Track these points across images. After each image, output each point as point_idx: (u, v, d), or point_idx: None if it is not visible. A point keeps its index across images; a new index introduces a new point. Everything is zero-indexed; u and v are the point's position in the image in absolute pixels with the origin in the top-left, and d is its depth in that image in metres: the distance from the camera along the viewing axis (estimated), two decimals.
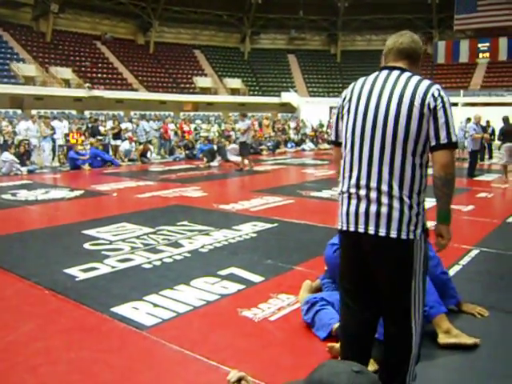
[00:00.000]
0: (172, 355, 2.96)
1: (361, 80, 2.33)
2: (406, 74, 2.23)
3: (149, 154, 17.19)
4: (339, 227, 2.31)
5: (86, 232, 6.10)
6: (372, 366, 2.62)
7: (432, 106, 2.11)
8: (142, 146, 16.80)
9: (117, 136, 17.56)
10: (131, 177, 12.45)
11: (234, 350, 3.02)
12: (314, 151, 22.71)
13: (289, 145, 22.95)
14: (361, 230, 2.19)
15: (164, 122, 20.25)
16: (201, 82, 39.06)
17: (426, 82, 2.19)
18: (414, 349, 2.25)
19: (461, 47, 40.33)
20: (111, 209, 8.33)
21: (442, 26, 43.34)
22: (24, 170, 13.43)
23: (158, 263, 4.77)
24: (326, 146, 23.68)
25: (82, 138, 17.25)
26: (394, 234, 2.13)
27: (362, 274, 2.29)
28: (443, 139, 2.11)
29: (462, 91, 37.86)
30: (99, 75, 34.68)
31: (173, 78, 38.87)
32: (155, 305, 3.68)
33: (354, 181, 2.22)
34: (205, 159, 15.44)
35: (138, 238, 5.77)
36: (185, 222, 6.60)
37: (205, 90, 38.47)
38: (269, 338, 3.15)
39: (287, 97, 39.00)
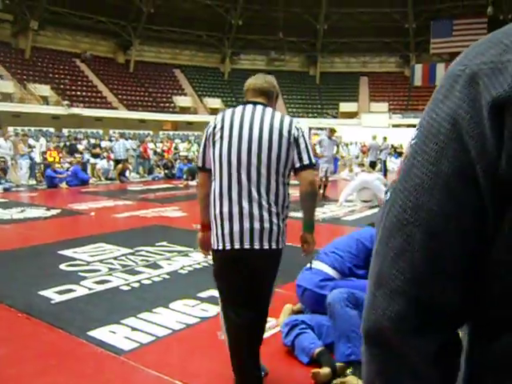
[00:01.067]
0: (151, 381, 2.88)
1: (229, 111, 2.63)
2: (269, 109, 2.61)
3: (127, 173, 17.06)
4: (218, 247, 2.48)
5: (62, 252, 5.97)
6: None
7: (296, 136, 2.52)
8: (120, 165, 16.66)
9: (96, 155, 17.44)
10: (109, 196, 12.31)
11: (215, 375, 2.95)
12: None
13: None
14: (246, 246, 2.42)
15: (144, 141, 20.17)
16: (181, 101, 39.18)
17: (288, 117, 2.62)
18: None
19: (437, 70, 41.24)
20: (88, 229, 8.19)
21: (419, 50, 44.31)
22: None
23: (137, 285, 4.68)
24: None
25: (60, 155, 17.05)
26: (274, 246, 2.46)
27: (241, 287, 2.52)
28: (306, 160, 2.53)
29: None
30: (78, 93, 34.54)
31: (153, 97, 38.89)
32: (133, 328, 3.59)
33: (234, 202, 2.44)
34: (184, 176, 15.43)
35: (115, 258, 5.67)
36: (164, 243, 6.52)
37: (184, 110, 38.56)
38: None
39: None
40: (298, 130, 2.55)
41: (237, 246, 2.42)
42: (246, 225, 2.41)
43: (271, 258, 2.51)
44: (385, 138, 19.77)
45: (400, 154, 27.28)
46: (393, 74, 46.76)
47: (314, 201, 2.64)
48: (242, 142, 2.47)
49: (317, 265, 3.51)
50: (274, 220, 2.45)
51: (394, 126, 37.57)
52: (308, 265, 3.49)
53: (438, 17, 40.78)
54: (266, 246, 2.43)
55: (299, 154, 2.52)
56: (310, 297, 3.42)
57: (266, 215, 2.42)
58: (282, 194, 2.53)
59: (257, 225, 2.41)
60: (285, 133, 2.50)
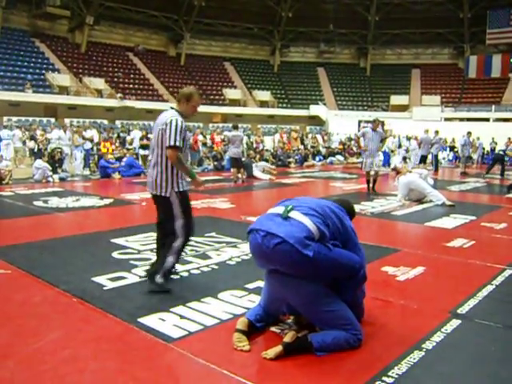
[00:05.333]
0: (198, 369, 2.93)
1: None
2: (169, 111, 4.32)
3: None
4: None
5: (114, 241, 6.15)
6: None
7: (164, 128, 4.16)
8: None
9: (146, 146, 17.81)
10: None
11: (261, 365, 2.97)
12: (342, 165, 22.57)
13: (317, 158, 22.88)
14: (151, 192, 4.42)
15: (195, 132, 20.40)
16: (230, 93, 39.38)
17: (169, 115, 4.24)
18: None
19: (493, 62, 39.81)
20: (140, 218, 8.38)
21: (474, 41, 42.81)
22: (56, 177, 13.67)
23: (186, 274, 4.76)
24: (355, 159, 23.53)
25: (113, 147, 17.48)
26: (158, 193, 4.30)
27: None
28: (166, 144, 4.13)
29: (493, 106, 37.24)
30: (131, 86, 35.25)
31: (203, 90, 39.21)
32: (182, 317, 3.66)
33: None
34: (234, 170, 15.46)
35: None
36: (212, 234, 6.60)
37: (234, 102, 38.73)
38: (296, 354, 3.09)
39: (316, 110, 38.96)
40: (166, 124, 4.14)
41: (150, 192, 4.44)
42: (149, 179, 4.40)
43: (159, 199, 4.35)
44: (437, 132, 19.30)
45: (452, 149, 26.55)
46: (446, 66, 45.40)
47: (177, 166, 4.21)
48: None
49: (296, 216, 3.12)
50: (159, 177, 4.26)
51: (447, 119, 36.57)
52: (278, 209, 3.25)
53: (495, 6, 39.20)
54: (156, 193, 4.33)
55: (166, 138, 4.12)
56: (287, 252, 2.98)
57: (155, 175, 4.28)
58: (165, 164, 4.23)
59: (151, 180, 4.36)
60: (160, 126, 4.19)
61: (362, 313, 3.50)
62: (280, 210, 3.22)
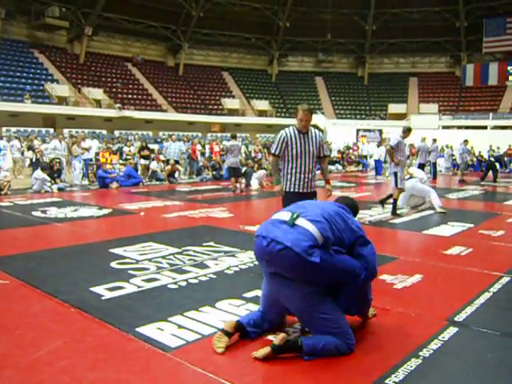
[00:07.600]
0: (196, 378, 2.93)
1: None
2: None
3: (177, 175, 17.35)
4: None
5: (113, 251, 6.15)
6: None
7: None
8: (170, 167, 16.96)
9: (147, 156, 17.87)
10: (158, 196, 12.55)
11: (259, 374, 2.98)
12: (340, 173, 22.60)
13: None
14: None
15: (192, 142, 20.47)
16: (229, 103, 39.51)
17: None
18: None
19: (490, 70, 40.05)
20: (138, 228, 8.38)
21: (471, 49, 43.08)
22: (54, 187, 13.67)
23: (184, 284, 4.77)
24: (353, 168, 23.57)
25: (111, 157, 17.51)
26: None
27: None
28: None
29: (490, 114, 37.38)
30: (129, 96, 35.36)
31: (201, 100, 39.37)
32: (180, 326, 3.67)
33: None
34: (232, 179, 15.46)
35: (164, 257, 5.79)
36: (211, 243, 6.60)
37: (232, 112, 38.86)
38: (294, 363, 3.10)
39: (314, 119, 38.55)
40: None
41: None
42: None
43: None
44: (434, 140, 19.35)
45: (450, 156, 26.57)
46: (443, 75, 45.66)
47: (271, 168, 5.89)
48: None
49: (302, 223, 3.17)
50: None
51: (444, 127, 36.69)
52: (284, 215, 3.30)
53: (491, 14, 39.51)
54: None
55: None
56: (291, 257, 3.04)
57: None
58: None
59: None
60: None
61: (369, 304, 3.66)
62: (286, 216, 3.28)
